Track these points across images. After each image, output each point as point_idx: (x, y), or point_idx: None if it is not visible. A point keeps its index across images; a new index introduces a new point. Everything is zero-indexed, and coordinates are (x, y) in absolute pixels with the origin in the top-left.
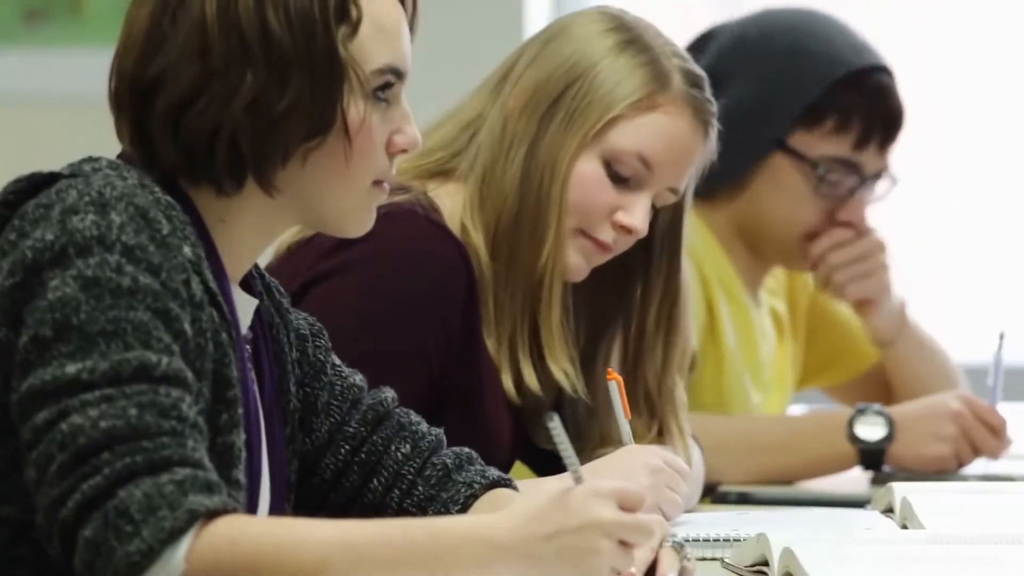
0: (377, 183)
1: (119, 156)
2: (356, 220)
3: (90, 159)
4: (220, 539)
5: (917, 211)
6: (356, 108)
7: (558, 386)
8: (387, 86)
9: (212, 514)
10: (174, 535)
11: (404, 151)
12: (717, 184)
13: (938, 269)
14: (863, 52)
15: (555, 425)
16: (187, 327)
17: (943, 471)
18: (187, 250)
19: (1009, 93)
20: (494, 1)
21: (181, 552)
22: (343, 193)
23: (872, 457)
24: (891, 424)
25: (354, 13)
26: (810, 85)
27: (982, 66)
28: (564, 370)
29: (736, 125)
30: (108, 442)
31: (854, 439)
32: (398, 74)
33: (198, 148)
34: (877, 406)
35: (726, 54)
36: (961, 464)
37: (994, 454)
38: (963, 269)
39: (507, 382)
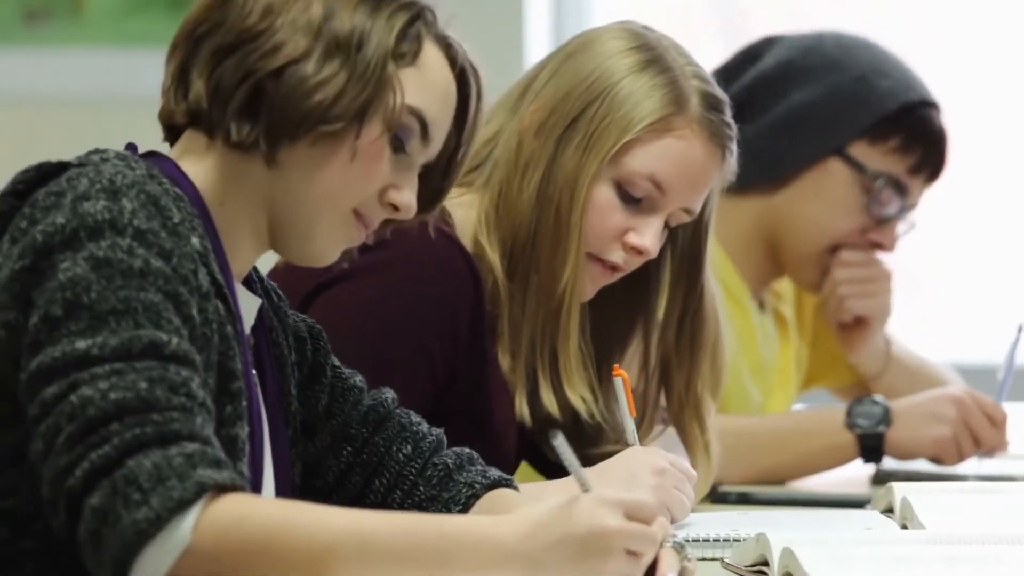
0: (358, 217)
1: (126, 147)
2: (322, 239)
3: (97, 151)
4: (228, 515)
5: (919, 210)
6: (376, 126)
7: (574, 409)
8: (409, 134)
9: (221, 489)
10: (183, 505)
11: (394, 208)
12: (757, 177)
13: (941, 268)
14: (928, 89)
15: (560, 443)
16: (195, 314)
17: (942, 460)
18: (195, 241)
19: (1012, 91)
20: (494, 1)
21: (188, 523)
22: (328, 197)
23: (871, 443)
24: (888, 409)
25: (415, 47)
26: (884, 101)
27: (982, 65)
28: (582, 396)
29: (796, 126)
30: (117, 413)
31: (852, 426)
32: (425, 130)
33: (224, 87)
34: (875, 395)
35: (797, 58)
36: (961, 455)
37: (993, 447)
38: (967, 268)
39: (520, 404)
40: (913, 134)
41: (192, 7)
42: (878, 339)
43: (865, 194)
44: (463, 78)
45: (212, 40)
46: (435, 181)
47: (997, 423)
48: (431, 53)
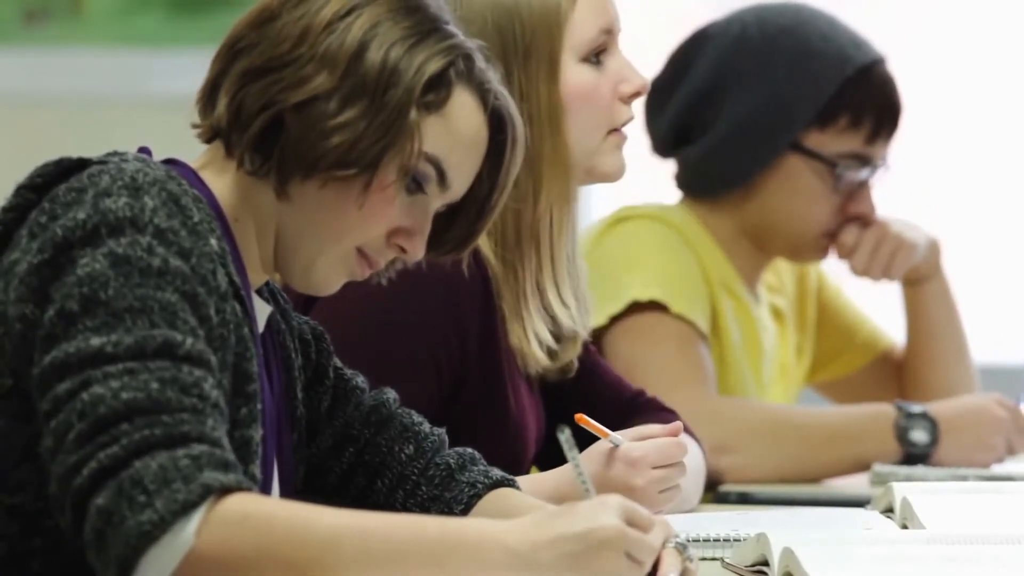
0: (362, 255)
1: (139, 151)
2: (323, 272)
3: (116, 153)
4: (231, 515)
5: (917, 212)
6: (390, 173)
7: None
8: (426, 179)
9: (226, 490)
10: (187, 508)
11: (401, 249)
12: (724, 189)
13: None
14: (863, 46)
15: (566, 438)
16: (212, 314)
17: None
18: (213, 242)
19: (1013, 91)
20: None
21: (192, 526)
22: (333, 237)
23: (917, 459)
24: (937, 429)
25: (444, 95)
26: (822, 86)
27: (980, 64)
28: (566, 303)
29: (746, 131)
30: (128, 413)
31: (904, 441)
32: (442, 177)
33: (245, 112)
34: (919, 407)
35: (729, 57)
36: (999, 461)
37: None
38: (965, 269)
39: (539, 355)
40: (859, 107)
41: (240, 18)
42: (921, 246)
43: (831, 178)
44: (498, 124)
45: (244, 60)
46: (468, 221)
47: None
48: (461, 100)
